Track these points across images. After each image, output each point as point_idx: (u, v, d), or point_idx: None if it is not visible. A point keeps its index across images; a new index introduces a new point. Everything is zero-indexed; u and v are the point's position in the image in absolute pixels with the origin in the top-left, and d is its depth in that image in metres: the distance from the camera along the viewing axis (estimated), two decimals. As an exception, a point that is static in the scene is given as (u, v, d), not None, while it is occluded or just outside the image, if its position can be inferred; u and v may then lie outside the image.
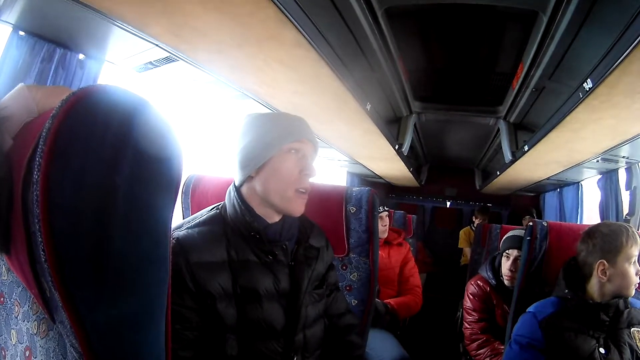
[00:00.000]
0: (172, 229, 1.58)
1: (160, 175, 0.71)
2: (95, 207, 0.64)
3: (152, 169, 0.69)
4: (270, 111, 3.85)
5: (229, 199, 1.76)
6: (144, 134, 0.68)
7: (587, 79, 2.55)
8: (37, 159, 0.63)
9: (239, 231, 1.68)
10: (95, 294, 0.66)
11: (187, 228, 1.68)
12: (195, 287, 1.55)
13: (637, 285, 2.15)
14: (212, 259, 1.59)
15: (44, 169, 0.62)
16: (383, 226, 3.94)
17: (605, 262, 2.17)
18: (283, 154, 1.67)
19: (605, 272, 2.16)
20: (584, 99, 2.74)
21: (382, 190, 10.84)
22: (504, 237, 3.56)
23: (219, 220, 1.72)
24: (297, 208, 1.71)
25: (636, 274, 2.13)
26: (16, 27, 2.40)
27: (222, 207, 1.80)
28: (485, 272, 3.55)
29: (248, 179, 1.71)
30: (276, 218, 1.75)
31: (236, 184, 1.76)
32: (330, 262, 2.01)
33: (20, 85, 0.98)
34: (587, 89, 2.59)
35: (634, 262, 2.14)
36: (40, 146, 0.63)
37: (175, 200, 0.75)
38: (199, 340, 1.55)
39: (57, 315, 0.71)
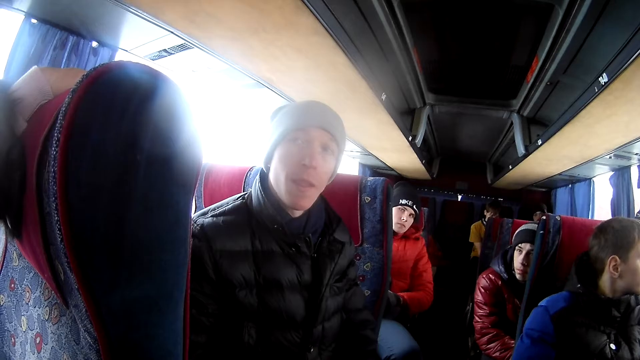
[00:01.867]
0: (195, 215, 1.67)
1: (182, 154, 0.70)
2: (113, 183, 0.63)
3: (173, 148, 0.68)
4: (283, 99, 3.92)
5: (254, 190, 1.76)
6: (166, 112, 0.67)
7: (602, 73, 2.53)
8: (55, 134, 0.62)
9: (264, 223, 1.68)
10: (111, 275, 0.65)
11: (212, 216, 1.68)
12: (216, 275, 1.56)
13: None
14: (236, 248, 1.60)
15: (63, 143, 0.61)
16: (401, 220, 3.91)
17: (617, 257, 2.15)
18: (288, 141, 1.64)
19: (617, 268, 2.15)
20: (598, 94, 2.72)
21: (394, 182, 10.68)
22: (517, 231, 3.56)
23: (244, 210, 1.72)
24: (297, 201, 1.64)
25: None
26: (28, 15, 2.41)
27: (247, 197, 1.79)
28: (497, 266, 3.55)
29: (267, 169, 1.73)
30: (299, 212, 1.73)
31: (262, 176, 1.77)
32: (351, 258, 2.01)
33: (34, 67, 0.98)
34: (603, 84, 2.57)
35: None
36: (59, 121, 0.62)
37: (197, 182, 0.74)
38: (214, 327, 1.56)
39: (72, 298, 0.70)
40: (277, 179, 1.65)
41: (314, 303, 1.71)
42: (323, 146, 1.67)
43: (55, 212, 0.62)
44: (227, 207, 1.74)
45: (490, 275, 3.54)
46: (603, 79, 2.55)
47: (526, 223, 3.66)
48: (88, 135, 0.62)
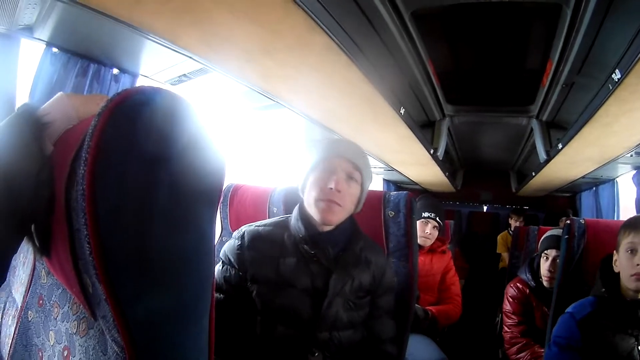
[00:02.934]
0: (245, 225, 1.94)
1: (204, 172, 0.73)
2: (138, 200, 0.66)
3: (196, 167, 0.71)
4: (302, 117, 3.94)
5: (295, 210, 2.06)
6: (187, 132, 0.70)
7: (615, 69, 2.52)
8: (84, 155, 0.65)
9: (293, 235, 1.96)
10: (136, 287, 0.68)
11: (257, 226, 2.03)
12: (240, 266, 1.87)
13: None
14: (266, 253, 1.92)
15: (90, 163, 0.64)
16: (425, 233, 3.89)
17: (615, 252, 2.20)
18: (315, 171, 1.95)
19: (616, 263, 2.19)
20: (613, 91, 2.70)
21: (417, 196, 10.67)
22: (542, 238, 3.53)
23: (282, 225, 2.04)
24: (323, 216, 1.89)
25: None
26: (49, 44, 2.49)
27: (289, 217, 2.08)
28: (524, 274, 3.53)
29: (303, 194, 2.04)
30: (326, 228, 1.97)
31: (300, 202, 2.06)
32: (389, 287, 2.13)
33: (59, 93, 1.04)
34: (616, 80, 2.55)
35: None
36: (86, 142, 0.66)
37: (219, 198, 0.77)
38: (221, 303, 1.83)
39: (99, 310, 0.74)
40: (309, 200, 1.95)
41: (321, 307, 1.84)
42: (347, 174, 1.95)
43: (85, 227, 0.65)
44: (270, 221, 2.08)
45: (518, 284, 3.52)
46: (616, 75, 2.54)
47: (551, 229, 3.61)
48: (113, 156, 0.65)
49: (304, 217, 1.96)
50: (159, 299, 0.70)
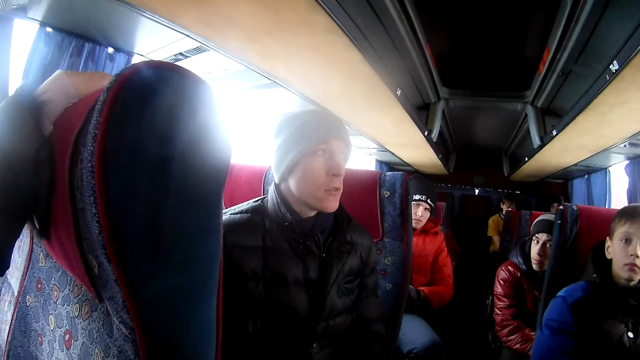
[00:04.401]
0: None
1: (213, 148, 0.72)
2: (150, 176, 0.65)
3: (205, 142, 0.70)
4: (300, 98, 3.93)
5: (270, 193, 1.88)
6: (197, 107, 0.69)
7: (613, 60, 2.53)
8: (92, 130, 0.64)
9: (276, 222, 1.80)
10: (149, 265, 0.67)
11: (231, 213, 1.85)
12: (227, 264, 1.65)
13: None
14: (247, 243, 1.73)
15: (101, 139, 0.63)
16: (417, 215, 3.90)
17: (608, 239, 2.22)
18: (309, 156, 1.72)
19: (609, 249, 2.20)
20: (610, 82, 2.71)
21: (411, 177, 10.67)
22: (534, 222, 3.56)
23: (260, 211, 1.86)
24: (329, 205, 1.75)
25: None
26: (43, 24, 2.45)
27: (265, 199, 1.92)
28: (515, 258, 3.56)
29: (283, 179, 1.79)
30: (311, 213, 1.82)
31: (276, 182, 1.86)
32: (374, 267, 2.05)
33: (58, 71, 1.00)
34: (614, 71, 2.56)
35: None
36: (94, 118, 0.64)
37: (227, 174, 0.76)
38: None
39: (107, 291, 0.72)
40: (304, 189, 1.74)
41: (318, 301, 1.78)
42: (343, 154, 1.79)
43: (94, 205, 0.64)
44: (245, 207, 1.88)
45: (509, 267, 3.55)
46: (614, 66, 2.54)
47: (543, 214, 3.65)
48: (125, 130, 0.64)
49: (286, 202, 1.81)
50: (172, 277, 0.69)
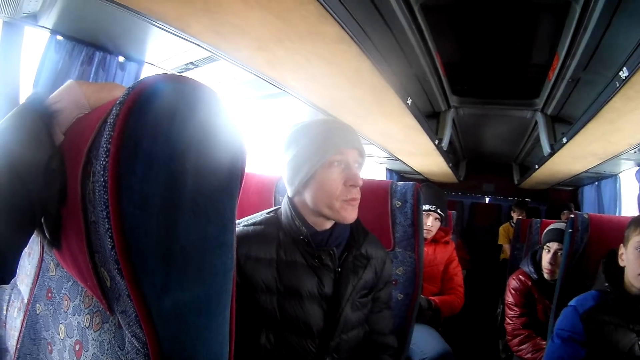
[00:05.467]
0: None
1: (226, 162, 0.72)
2: (164, 191, 0.65)
3: (219, 155, 0.70)
4: (310, 107, 3.95)
5: (284, 206, 1.83)
6: (210, 121, 0.69)
7: (622, 67, 2.51)
8: (104, 144, 0.64)
9: (290, 235, 1.75)
10: (162, 280, 0.66)
11: (244, 225, 1.80)
12: (240, 277, 1.64)
13: None
14: (260, 256, 1.69)
15: (114, 154, 0.62)
16: (427, 225, 3.87)
17: (622, 246, 2.18)
18: (325, 168, 1.67)
19: (622, 257, 2.18)
20: (620, 88, 2.69)
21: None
22: (545, 230, 3.52)
23: (274, 222, 1.81)
24: (348, 216, 1.71)
25: None
26: (54, 32, 2.46)
27: (278, 211, 1.87)
28: (526, 267, 3.53)
29: (298, 192, 1.75)
30: (327, 225, 1.79)
31: (289, 195, 1.80)
32: (388, 279, 2.02)
33: (69, 81, 1.00)
34: (624, 78, 2.54)
35: None
36: (106, 132, 0.64)
37: (240, 187, 0.75)
38: None
39: (119, 305, 0.72)
40: (321, 201, 1.70)
41: (333, 316, 1.73)
42: (358, 163, 1.75)
43: (106, 220, 0.63)
44: (258, 219, 1.84)
45: (520, 276, 3.52)
46: (623, 73, 2.53)
47: (554, 222, 3.63)
48: (138, 146, 0.63)
49: (299, 214, 1.76)
50: (186, 291, 0.69)
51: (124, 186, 0.62)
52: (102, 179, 0.63)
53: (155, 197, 0.64)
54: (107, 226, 0.64)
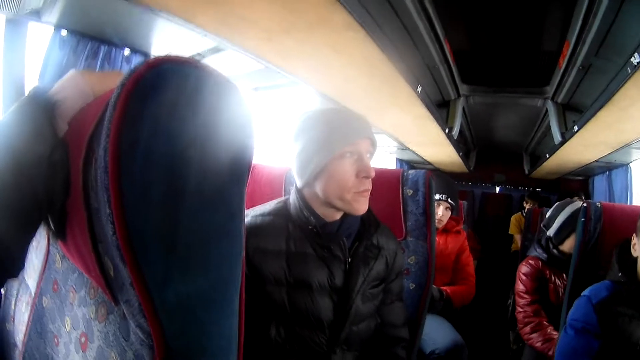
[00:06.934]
0: None
1: (234, 147, 0.69)
2: (167, 176, 0.62)
3: (225, 140, 0.68)
4: (321, 99, 3.95)
5: (292, 197, 1.81)
6: (217, 104, 0.67)
7: (634, 53, 2.49)
8: (105, 126, 0.61)
9: (300, 226, 1.74)
10: (166, 268, 0.64)
11: (252, 216, 1.79)
12: (249, 269, 1.63)
13: None
14: (270, 247, 1.68)
15: (114, 136, 0.60)
16: (437, 215, 3.83)
17: (635, 236, 2.15)
18: (337, 159, 1.65)
19: (635, 247, 2.15)
20: (632, 75, 2.66)
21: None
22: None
23: (283, 213, 1.80)
24: (360, 207, 1.70)
25: None
26: (58, 27, 2.44)
27: (287, 201, 1.85)
28: (534, 252, 3.55)
29: (307, 184, 1.72)
30: (337, 216, 1.77)
31: (297, 186, 1.78)
32: (400, 271, 2.00)
33: (72, 71, 0.99)
34: (635, 64, 2.52)
35: None
36: (108, 114, 0.62)
37: (249, 174, 0.73)
38: None
39: (122, 294, 0.70)
40: (333, 192, 1.67)
41: (343, 308, 1.72)
42: (370, 153, 1.73)
43: (107, 204, 0.61)
44: (267, 209, 1.83)
45: (530, 261, 3.52)
46: (635, 59, 2.50)
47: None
48: (140, 128, 0.61)
49: (307, 205, 1.75)
50: (190, 281, 0.66)
51: (125, 169, 0.60)
52: (103, 163, 0.61)
53: (158, 181, 0.62)
54: (108, 211, 0.61)
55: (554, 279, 3.38)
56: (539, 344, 3.13)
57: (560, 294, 3.18)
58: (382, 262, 1.87)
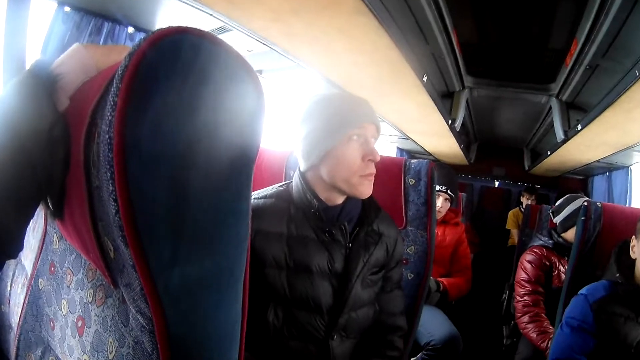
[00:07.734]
0: None
1: (243, 124, 0.67)
2: (175, 152, 0.60)
3: (235, 117, 0.66)
4: (326, 84, 3.94)
5: (295, 180, 1.82)
6: (229, 80, 0.64)
7: (643, 57, 2.48)
8: (111, 99, 0.58)
9: (302, 209, 1.74)
10: (170, 250, 0.62)
11: (254, 198, 1.80)
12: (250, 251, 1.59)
13: None
14: (271, 229, 1.70)
15: (121, 108, 0.57)
16: (438, 206, 3.82)
17: (634, 238, 2.15)
18: (344, 142, 1.66)
19: (634, 249, 2.14)
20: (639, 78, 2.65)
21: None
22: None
23: (285, 196, 1.80)
24: (365, 190, 1.70)
25: None
26: (61, 4, 2.41)
27: (290, 185, 1.85)
28: (538, 241, 3.58)
29: (312, 166, 1.72)
30: (339, 201, 1.78)
31: (301, 169, 1.78)
32: (400, 259, 2.00)
33: (75, 44, 0.95)
34: (644, 67, 2.52)
35: None
36: (114, 85, 0.58)
37: (257, 153, 0.71)
38: None
39: (123, 278, 0.68)
40: (339, 175, 1.68)
41: (342, 293, 1.72)
42: (375, 138, 1.74)
43: (110, 181, 0.59)
44: (269, 192, 1.83)
45: (535, 249, 3.54)
46: (644, 62, 2.50)
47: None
48: (148, 100, 0.58)
49: (310, 188, 1.75)
50: (196, 264, 0.64)
51: (131, 143, 0.58)
52: (107, 136, 0.58)
53: (165, 157, 0.59)
54: (111, 188, 0.59)
55: (559, 265, 3.41)
56: (534, 335, 3.14)
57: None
58: (382, 249, 1.88)
